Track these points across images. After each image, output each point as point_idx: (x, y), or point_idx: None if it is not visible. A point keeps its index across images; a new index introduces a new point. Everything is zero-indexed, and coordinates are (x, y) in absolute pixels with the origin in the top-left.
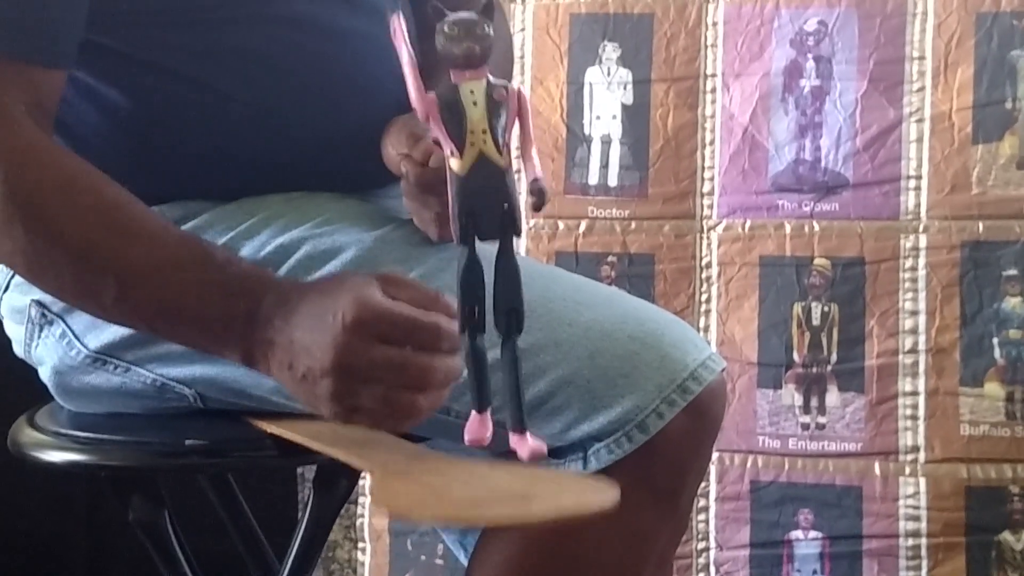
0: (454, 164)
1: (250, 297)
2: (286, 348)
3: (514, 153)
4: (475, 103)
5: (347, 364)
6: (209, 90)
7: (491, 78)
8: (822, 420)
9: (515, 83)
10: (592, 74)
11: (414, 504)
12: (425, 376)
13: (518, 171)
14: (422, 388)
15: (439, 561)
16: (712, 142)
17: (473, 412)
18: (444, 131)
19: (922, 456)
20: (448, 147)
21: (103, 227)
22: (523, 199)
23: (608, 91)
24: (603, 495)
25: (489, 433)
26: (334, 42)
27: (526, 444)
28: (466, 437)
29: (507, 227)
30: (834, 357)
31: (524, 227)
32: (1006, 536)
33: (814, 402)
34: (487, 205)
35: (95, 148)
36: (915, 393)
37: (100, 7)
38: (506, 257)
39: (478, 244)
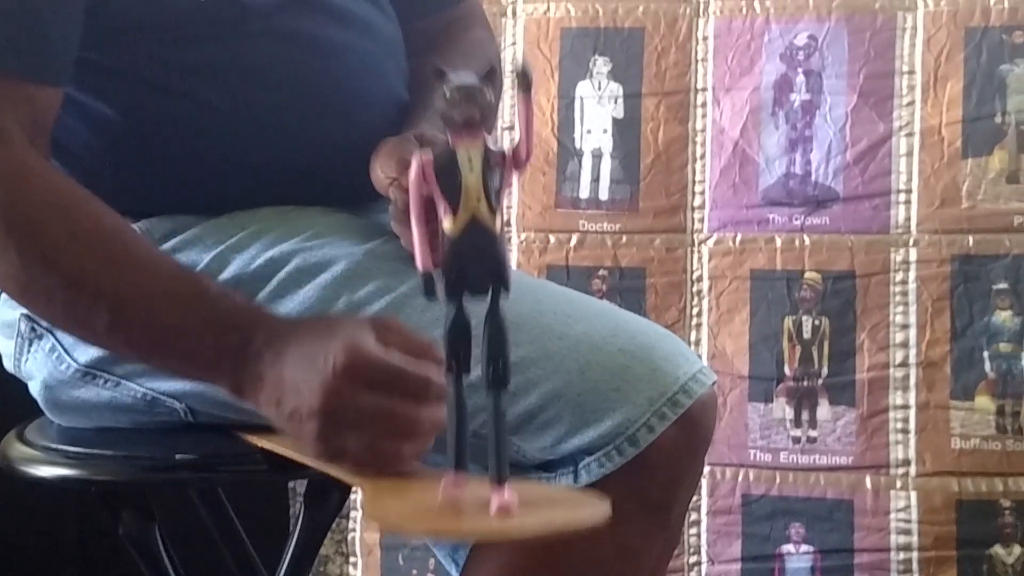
0: (447, 225)
1: (242, 332)
2: (276, 385)
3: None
4: (471, 168)
5: (334, 408)
6: (199, 104)
7: (488, 143)
8: (813, 434)
9: (508, 144)
10: (583, 88)
11: (405, 518)
12: (411, 425)
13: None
14: (407, 436)
15: (430, 575)
16: (703, 156)
17: (452, 469)
18: (440, 191)
19: (913, 470)
20: (442, 207)
21: (98, 254)
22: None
23: (599, 105)
24: (594, 510)
25: (463, 492)
26: (325, 57)
27: (500, 497)
28: (440, 494)
29: (496, 286)
30: (825, 371)
31: (511, 286)
32: (997, 550)
33: (805, 415)
34: (477, 266)
35: (85, 162)
36: (906, 407)
37: (91, 23)
38: (494, 315)
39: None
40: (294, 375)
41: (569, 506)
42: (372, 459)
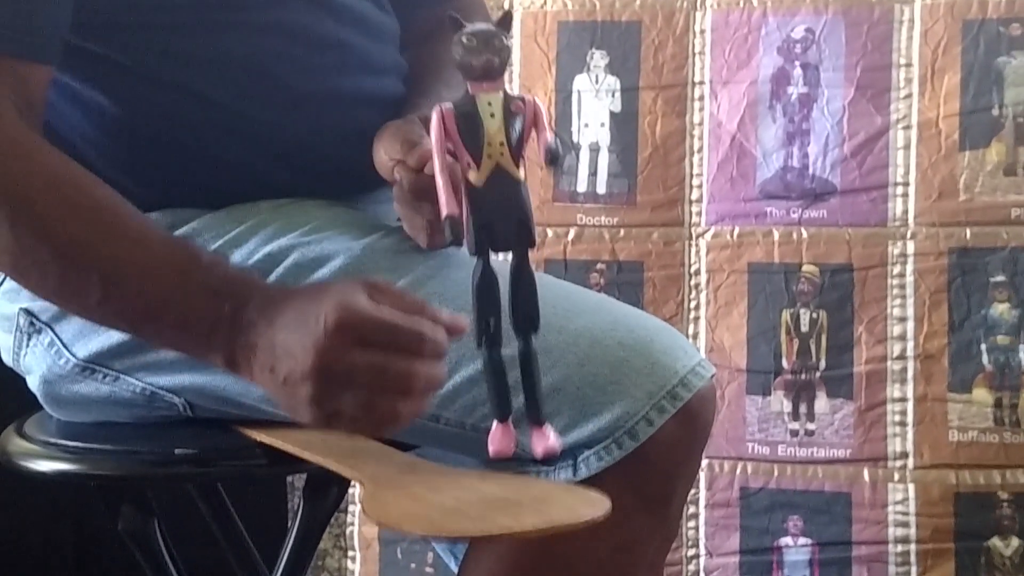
0: (471, 176)
1: (235, 300)
2: (268, 351)
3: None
4: (492, 115)
5: (327, 367)
6: (197, 97)
7: (508, 90)
8: (811, 427)
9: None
10: (580, 82)
11: (404, 516)
12: (406, 381)
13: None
14: (403, 393)
15: (429, 569)
16: (700, 149)
17: (495, 422)
18: (461, 143)
19: (911, 462)
20: (465, 159)
21: (89, 226)
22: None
23: (596, 99)
24: (594, 507)
25: (513, 444)
26: (321, 50)
27: (543, 439)
28: (490, 448)
29: (522, 239)
30: (823, 363)
31: (536, 237)
32: (995, 542)
33: (803, 408)
34: (503, 217)
35: (84, 155)
36: (903, 399)
37: (89, 14)
38: (522, 269)
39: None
40: (286, 338)
41: (569, 503)
42: (368, 419)
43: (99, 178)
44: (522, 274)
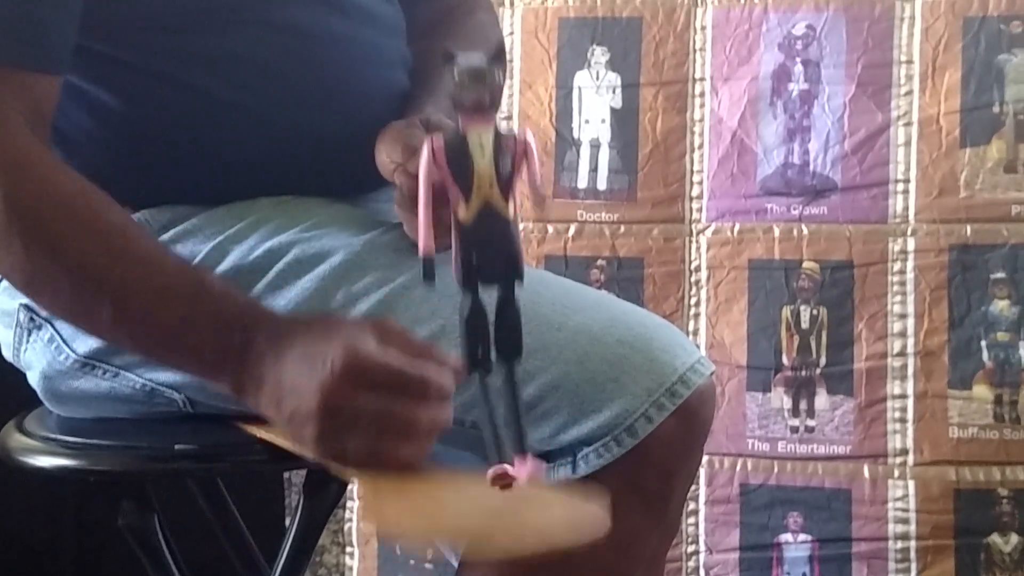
0: (460, 211)
1: (244, 332)
2: (276, 386)
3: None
4: (482, 151)
5: (333, 409)
6: (200, 94)
7: (499, 127)
8: (811, 423)
9: (519, 130)
10: (581, 78)
11: (404, 522)
12: (410, 426)
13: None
14: (406, 437)
15: (428, 565)
16: (701, 146)
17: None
18: (451, 177)
19: (911, 459)
20: (455, 193)
21: (101, 248)
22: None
23: (597, 95)
24: (595, 522)
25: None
26: (325, 47)
27: (524, 468)
28: (489, 480)
29: (510, 274)
30: (823, 360)
31: (524, 274)
32: (995, 538)
33: (803, 405)
34: (491, 253)
35: (85, 150)
36: (904, 396)
37: (92, 13)
38: (509, 304)
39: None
40: (293, 377)
41: (570, 520)
42: (372, 460)
43: (101, 180)
44: (508, 307)
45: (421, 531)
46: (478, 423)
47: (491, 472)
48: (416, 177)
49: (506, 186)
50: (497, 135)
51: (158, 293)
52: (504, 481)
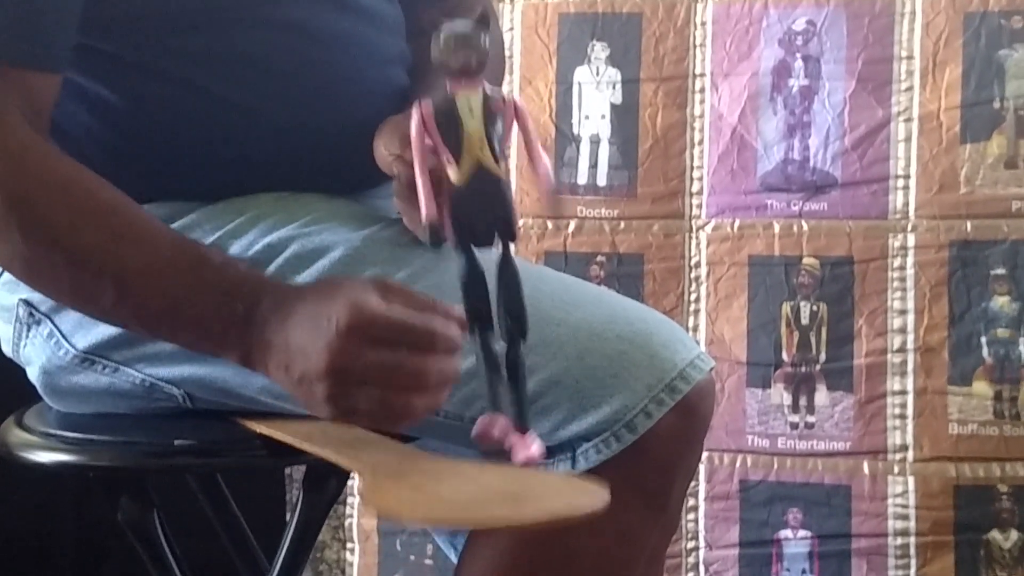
0: (451, 174)
1: (248, 299)
2: (283, 350)
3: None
4: (472, 114)
5: (342, 367)
6: (199, 92)
7: (487, 88)
8: (811, 419)
9: (509, 91)
10: (581, 74)
11: (404, 506)
12: (420, 378)
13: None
14: (417, 389)
15: (428, 561)
16: (701, 142)
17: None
18: (441, 141)
19: (911, 455)
20: (445, 156)
21: (99, 231)
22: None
23: (597, 91)
24: (594, 497)
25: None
26: (325, 45)
27: (524, 447)
28: (474, 432)
29: (504, 235)
30: (823, 356)
31: (519, 233)
32: (994, 535)
33: (803, 401)
34: (484, 214)
35: (85, 147)
36: (903, 392)
37: (93, 11)
38: (506, 264)
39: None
40: (300, 338)
41: (568, 493)
42: (384, 415)
43: (101, 176)
44: (507, 269)
45: (421, 511)
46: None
47: (478, 426)
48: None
49: (497, 147)
50: (486, 98)
51: (159, 269)
52: (490, 443)
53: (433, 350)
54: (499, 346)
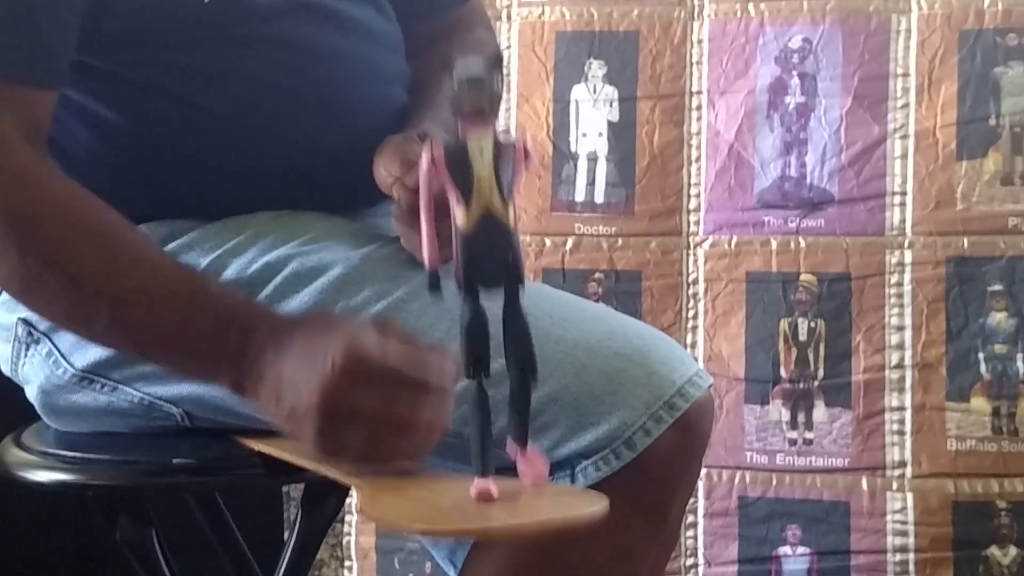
0: (460, 218)
1: (243, 329)
2: (275, 381)
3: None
4: (483, 159)
5: (333, 405)
6: (199, 109)
7: (498, 134)
8: (809, 436)
9: (519, 136)
10: (578, 91)
11: (402, 515)
12: (409, 423)
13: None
14: (405, 433)
15: None
16: (698, 159)
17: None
18: (451, 184)
19: (909, 471)
20: (454, 199)
21: (97, 253)
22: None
23: (594, 108)
24: (592, 507)
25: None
26: (324, 63)
27: (531, 467)
28: (473, 494)
29: (511, 279)
30: (821, 373)
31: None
32: (993, 551)
33: (801, 418)
34: (491, 259)
35: (84, 165)
36: (902, 408)
37: (92, 27)
38: (514, 310)
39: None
40: (293, 373)
41: (567, 503)
42: (371, 456)
43: (99, 194)
44: (514, 316)
45: (420, 520)
46: (471, 438)
47: (474, 489)
48: (414, 191)
49: (506, 193)
50: (496, 142)
51: (155, 295)
52: (486, 498)
53: (425, 397)
54: (496, 391)
